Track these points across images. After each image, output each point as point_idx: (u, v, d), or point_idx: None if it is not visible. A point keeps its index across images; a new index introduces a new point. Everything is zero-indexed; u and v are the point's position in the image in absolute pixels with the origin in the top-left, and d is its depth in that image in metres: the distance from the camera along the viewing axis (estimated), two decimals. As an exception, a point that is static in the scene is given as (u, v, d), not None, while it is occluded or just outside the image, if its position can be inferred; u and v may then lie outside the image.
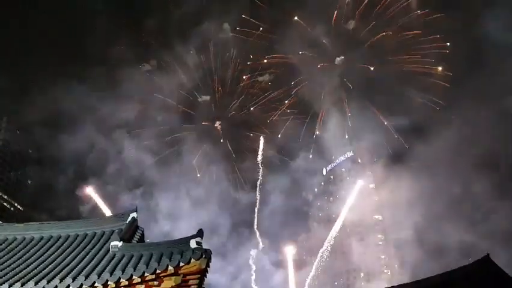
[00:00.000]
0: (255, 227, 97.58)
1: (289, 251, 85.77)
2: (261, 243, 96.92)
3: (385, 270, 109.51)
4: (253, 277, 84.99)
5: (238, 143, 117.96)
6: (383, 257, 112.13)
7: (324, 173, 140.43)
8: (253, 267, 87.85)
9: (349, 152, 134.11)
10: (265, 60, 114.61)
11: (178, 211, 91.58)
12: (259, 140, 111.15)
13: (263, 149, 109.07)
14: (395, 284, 49.90)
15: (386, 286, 59.10)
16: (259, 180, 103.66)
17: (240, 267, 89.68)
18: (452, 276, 33.65)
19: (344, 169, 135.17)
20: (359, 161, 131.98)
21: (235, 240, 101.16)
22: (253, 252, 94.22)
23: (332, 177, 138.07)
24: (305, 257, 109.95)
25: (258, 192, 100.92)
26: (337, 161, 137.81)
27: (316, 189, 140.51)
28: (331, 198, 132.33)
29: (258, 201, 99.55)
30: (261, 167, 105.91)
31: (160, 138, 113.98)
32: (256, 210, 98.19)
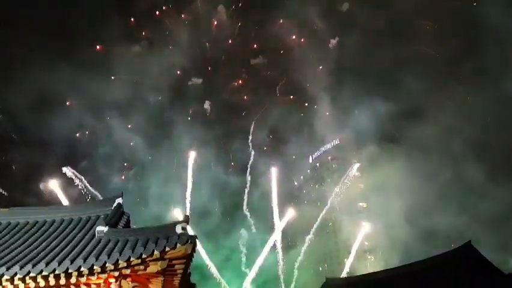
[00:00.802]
0: (245, 209, 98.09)
1: (278, 232, 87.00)
2: (253, 226, 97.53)
3: (369, 256, 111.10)
4: (243, 259, 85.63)
5: (229, 125, 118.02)
6: (366, 243, 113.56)
7: (310, 160, 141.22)
8: (244, 249, 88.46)
9: (335, 140, 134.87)
10: (258, 43, 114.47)
11: (168, 193, 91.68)
12: (251, 123, 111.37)
13: (254, 132, 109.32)
14: (378, 270, 50.78)
15: (370, 271, 60.10)
16: (249, 163, 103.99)
17: (231, 249, 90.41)
18: (434, 262, 34.42)
19: (329, 157, 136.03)
20: (345, 148, 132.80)
21: (226, 223, 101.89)
22: (244, 234, 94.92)
23: (317, 164, 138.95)
24: (294, 239, 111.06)
25: (248, 175, 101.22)
26: (323, 148, 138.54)
27: (302, 177, 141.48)
28: (316, 186, 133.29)
29: (248, 183, 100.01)
30: (252, 150, 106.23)
31: (150, 119, 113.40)
32: (246, 192, 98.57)
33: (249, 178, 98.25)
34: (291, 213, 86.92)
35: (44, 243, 16.10)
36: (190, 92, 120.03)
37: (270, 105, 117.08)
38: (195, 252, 14.77)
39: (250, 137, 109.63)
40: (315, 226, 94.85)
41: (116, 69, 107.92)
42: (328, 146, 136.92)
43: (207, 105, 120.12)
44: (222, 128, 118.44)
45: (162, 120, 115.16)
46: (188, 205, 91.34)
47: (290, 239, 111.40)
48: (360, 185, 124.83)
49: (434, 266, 33.39)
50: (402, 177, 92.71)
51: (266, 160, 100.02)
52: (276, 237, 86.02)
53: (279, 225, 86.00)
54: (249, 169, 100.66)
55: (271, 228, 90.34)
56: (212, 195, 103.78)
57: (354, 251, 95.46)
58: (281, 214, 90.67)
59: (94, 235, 15.96)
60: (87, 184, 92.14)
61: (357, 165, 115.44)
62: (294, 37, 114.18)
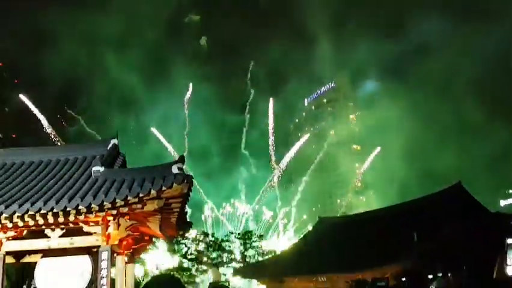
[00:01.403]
0: (243, 148, 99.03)
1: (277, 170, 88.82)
2: (252, 166, 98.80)
3: (361, 197, 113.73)
4: (243, 197, 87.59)
5: (227, 63, 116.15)
6: (359, 184, 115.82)
7: (306, 103, 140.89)
8: (244, 187, 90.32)
9: (331, 82, 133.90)
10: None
11: (167, 133, 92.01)
12: (249, 61, 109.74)
13: (253, 70, 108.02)
14: (370, 210, 52.11)
15: (362, 211, 61.76)
16: (248, 101, 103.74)
17: (231, 188, 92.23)
18: (423, 202, 35.32)
19: (325, 100, 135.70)
20: (341, 90, 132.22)
21: (225, 162, 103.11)
22: (244, 172, 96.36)
23: (313, 107, 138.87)
24: (291, 179, 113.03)
25: (247, 114, 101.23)
26: (319, 91, 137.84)
27: (297, 120, 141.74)
28: (311, 129, 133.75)
29: (246, 122, 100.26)
30: (251, 89, 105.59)
31: (148, 55, 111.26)
32: (244, 131, 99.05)
33: (247, 116, 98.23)
34: (287, 155, 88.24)
35: (41, 183, 16.29)
36: (188, 28, 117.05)
37: (269, 42, 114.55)
38: (191, 191, 15.03)
39: (249, 75, 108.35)
40: (311, 168, 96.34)
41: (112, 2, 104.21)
42: (324, 88, 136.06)
43: (204, 41, 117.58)
44: (221, 65, 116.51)
45: (160, 57, 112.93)
46: (187, 144, 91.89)
47: (287, 179, 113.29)
48: (356, 128, 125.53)
49: (424, 205, 34.30)
50: (401, 118, 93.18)
51: (265, 99, 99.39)
52: (274, 176, 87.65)
53: (277, 165, 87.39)
54: (248, 107, 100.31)
55: (269, 168, 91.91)
56: (211, 134, 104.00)
57: (349, 191, 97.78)
58: (278, 154, 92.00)
59: (91, 175, 16.12)
60: (84, 124, 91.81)
61: (351, 105, 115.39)
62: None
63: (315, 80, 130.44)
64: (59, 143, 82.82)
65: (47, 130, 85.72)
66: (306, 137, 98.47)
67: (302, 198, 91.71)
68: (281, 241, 63.23)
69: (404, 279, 22.05)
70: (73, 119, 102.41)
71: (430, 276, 20.34)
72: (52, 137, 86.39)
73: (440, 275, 19.01)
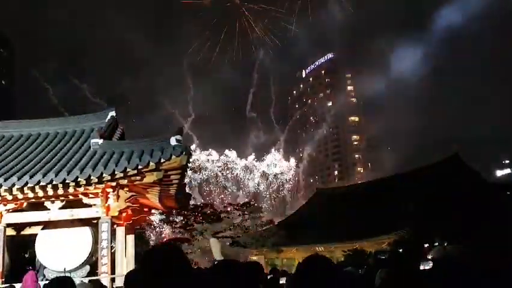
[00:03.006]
0: (247, 111, 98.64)
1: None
2: (260, 125, 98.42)
3: (358, 168, 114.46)
4: (251, 157, 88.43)
5: (232, 22, 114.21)
6: (357, 156, 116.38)
7: (304, 75, 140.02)
8: (252, 150, 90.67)
9: (329, 53, 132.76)
10: None
11: (173, 96, 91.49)
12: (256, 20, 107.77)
13: (259, 30, 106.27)
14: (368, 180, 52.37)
15: (360, 182, 62.41)
16: (256, 63, 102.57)
17: (240, 151, 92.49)
18: (421, 172, 35.55)
19: (323, 71, 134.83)
20: (339, 62, 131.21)
21: (232, 125, 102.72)
22: (252, 135, 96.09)
23: (310, 79, 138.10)
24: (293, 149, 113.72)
25: (255, 74, 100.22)
26: (316, 62, 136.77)
27: (295, 92, 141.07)
28: (309, 101, 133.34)
29: (254, 83, 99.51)
30: (257, 49, 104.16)
31: (152, 13, 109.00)
32: (251, 92, 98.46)
33: (256, 76, 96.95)
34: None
35: (39, 156, 16.25)
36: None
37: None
38: (189, 163, 15.05)
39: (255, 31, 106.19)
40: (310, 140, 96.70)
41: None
42: (322, 59, 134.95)
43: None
44: (227, 25, 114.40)
45: (164, 16, 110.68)
46: (191, 110, 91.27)
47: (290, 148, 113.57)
48: (353, 99, 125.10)
49: (421, 175, 34.56)
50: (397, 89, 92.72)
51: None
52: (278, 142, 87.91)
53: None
54: (256, 67, 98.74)
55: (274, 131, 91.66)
56: (217, 97, 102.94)
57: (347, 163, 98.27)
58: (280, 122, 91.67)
59: (89, 147, 16.08)
60: (87, 93, 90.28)
61: (349, 76, 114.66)
62: None
63: (313, 50, 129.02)
64: (65, 113, 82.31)
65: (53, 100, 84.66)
66: (304, 108, 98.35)
67: (304, 168, 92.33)
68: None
69: (401, 249, 22.35)
70: (77, 88, 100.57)
71: (427, 245, 20.67)
72: (58, 106, 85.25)
73: (436, 244, 19.32)
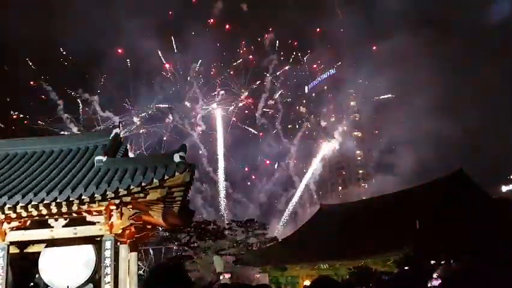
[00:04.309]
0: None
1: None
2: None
3: (362, 184, 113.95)
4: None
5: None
6: (361, 171, 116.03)
7: (306, 90, 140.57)
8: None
9: (331, 69, 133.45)
10: None
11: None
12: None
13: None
14: (374, 196, 52.16)
15: (364, 197, 62.13)
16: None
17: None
18: (425, 188, 35.34)
19: (325, 87, 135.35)
20: (342, 78, 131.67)
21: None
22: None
23: (313, 95, 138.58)
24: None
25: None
26: (319, 78, 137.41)
27: (297, 107, 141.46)
28: (312, 116, 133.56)
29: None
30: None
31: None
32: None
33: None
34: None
35: (44, 173, 16.26)
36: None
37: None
38: (193, 180, 15.01)
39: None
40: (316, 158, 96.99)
41: None
42: (324, 75, 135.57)
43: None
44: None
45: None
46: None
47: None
48: (356, 114, 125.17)
49: (426, 192, 34.34)
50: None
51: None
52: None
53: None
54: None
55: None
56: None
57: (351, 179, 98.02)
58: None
59: (93, 165, 16.08)
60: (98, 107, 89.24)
61: (351, 91, 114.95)
62: None
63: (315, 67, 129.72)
64: (74, 128, 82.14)
65: (62, 114, 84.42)
66: (307, 124, 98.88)
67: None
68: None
69: (406, 267, 22.13)
70: (86, 103, 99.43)
71: (433, 262, 20.44)
72: (67, 121, 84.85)
73: (442, 262, 19.08)
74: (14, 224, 14.86)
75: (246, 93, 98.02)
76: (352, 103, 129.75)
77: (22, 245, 16.51)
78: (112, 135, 18.94)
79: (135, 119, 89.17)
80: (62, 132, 78.92)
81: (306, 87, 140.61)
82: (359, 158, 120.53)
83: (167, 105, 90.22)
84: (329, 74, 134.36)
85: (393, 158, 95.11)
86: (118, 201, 14.32)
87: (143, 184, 13.65)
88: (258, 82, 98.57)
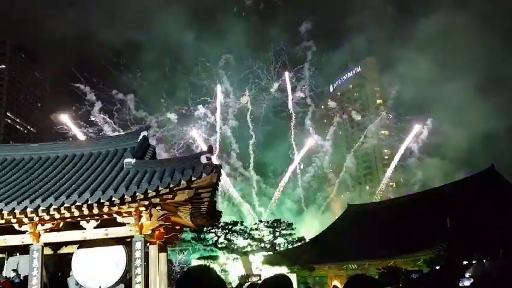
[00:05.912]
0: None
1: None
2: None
3: (390, 183, 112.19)
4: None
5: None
6: (388, 179, 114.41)
7: (331, 89, 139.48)
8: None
9: (357, 67, 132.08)
10: None
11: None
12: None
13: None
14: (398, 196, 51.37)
15: (392, 197, 61.27)
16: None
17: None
18: (456, 186, 34.63)
19: (351, 85, 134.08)
20: (367, 75, 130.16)
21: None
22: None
23: (338, 93, 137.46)
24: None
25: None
26: (344, 77, 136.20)
27: (323, 106, 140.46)
28: (338, 115, 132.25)
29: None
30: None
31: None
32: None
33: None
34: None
35: (74, 176, 16.69)
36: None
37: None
38: (219, 181, 15.14)
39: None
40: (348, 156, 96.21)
41: None
42: (349, 73, 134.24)
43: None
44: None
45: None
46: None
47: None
48: (383, 113, 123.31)
49: (457, 189, 33.65)
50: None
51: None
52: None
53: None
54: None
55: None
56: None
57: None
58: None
59: (123, 167, 16.42)
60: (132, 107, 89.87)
61: (377, 89, 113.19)
62: None
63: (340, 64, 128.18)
64: (108, 129, 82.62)
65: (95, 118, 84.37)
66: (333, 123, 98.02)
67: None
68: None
69: (437, 267, 21.73)
70: (121, 102, 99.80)
71: (465, 263, 19.98)
72: (102, 121, 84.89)
73: (474, 262, 18.64)
74: (48, 226, 15.26)
75: (277, 86, 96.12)
76: (378, 101, 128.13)
77: (56, 246, 16.97)
78: (140, 137, 19.30)
79: (171, 117, 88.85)
80: (101, 134, 79.80)
81: (331, 86, 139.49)
82: (386, 157, 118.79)
83: (200, 103, 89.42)
84: (354, 72, 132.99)
85: (423, 157, 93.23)
86: (147, 202, 14.55)
87: (171, 185, 13.85)
88: (290, 74, 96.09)
